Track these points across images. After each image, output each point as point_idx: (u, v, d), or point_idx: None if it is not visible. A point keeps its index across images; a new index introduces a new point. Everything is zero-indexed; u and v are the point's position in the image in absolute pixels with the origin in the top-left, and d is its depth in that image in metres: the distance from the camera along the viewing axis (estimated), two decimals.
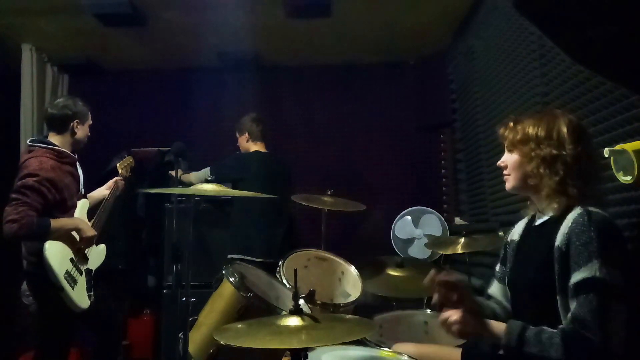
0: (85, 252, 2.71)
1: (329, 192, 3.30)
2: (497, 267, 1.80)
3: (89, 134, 2.85)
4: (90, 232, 2.65)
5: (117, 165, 3.14)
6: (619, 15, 1.24)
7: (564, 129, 1.53)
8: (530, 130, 1.57)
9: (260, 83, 4.76)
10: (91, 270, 2.76)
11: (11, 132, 4.08)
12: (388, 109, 4.74)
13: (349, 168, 4.67)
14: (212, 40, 4.10)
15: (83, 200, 2.81)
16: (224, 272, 2.02)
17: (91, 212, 2.86)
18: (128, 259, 4.26)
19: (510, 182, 1.64)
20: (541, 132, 1.55)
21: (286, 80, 4.79)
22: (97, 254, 2.85)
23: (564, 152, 1.51)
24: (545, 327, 1.39)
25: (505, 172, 1.66)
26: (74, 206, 2.73)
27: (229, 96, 4.70)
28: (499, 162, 1.68)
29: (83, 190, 2.86)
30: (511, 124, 1.64)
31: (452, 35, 4.18)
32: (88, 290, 2.68)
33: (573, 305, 1.37)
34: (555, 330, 1.38)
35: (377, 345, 2.05)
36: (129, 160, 3.23)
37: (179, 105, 4.68)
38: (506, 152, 1.66)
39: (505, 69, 3.04)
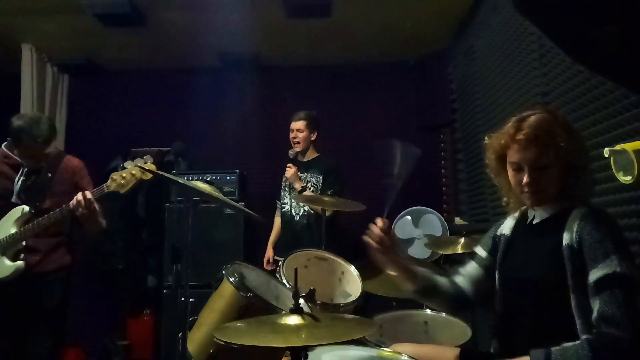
0: None
1: (329, 192, 3.30)
2: (483, 254, 1.76)
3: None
4: None
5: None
6: (619, 15, 1.24)
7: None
8: (560, 142, 1.47)
9: (260, 83, 4.76)
10: None
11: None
12: (388, 108, 4.74)
13: (349, 168, 4.67)
14: (212, 40, 4.10)
15: (18, 208, 2.61)
16: (224, 272, 2.02)
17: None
18: (128, 259, 4.27)
19: (543, 198, 1.56)
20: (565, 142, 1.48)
21: (286, 80, 4.79)
22: (3, 267, 2.56)
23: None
24: (566, 344, 1.36)
25: (534, 189, 1.53)
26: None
27: (229, 96, 4.70)
28: (526, 181, 1.52)
29: (16, 197, 2.65)
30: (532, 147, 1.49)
31: (452, 35, 4.18)
32: None
33: (596, 303, 1.36)
34: (578, 343, 1.35)
35: (377, 345, 2.05)
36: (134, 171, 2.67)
37: (179, 105, 4.68)
38: (531, 170, 1.51)
39: (505, 69, 3.04)
